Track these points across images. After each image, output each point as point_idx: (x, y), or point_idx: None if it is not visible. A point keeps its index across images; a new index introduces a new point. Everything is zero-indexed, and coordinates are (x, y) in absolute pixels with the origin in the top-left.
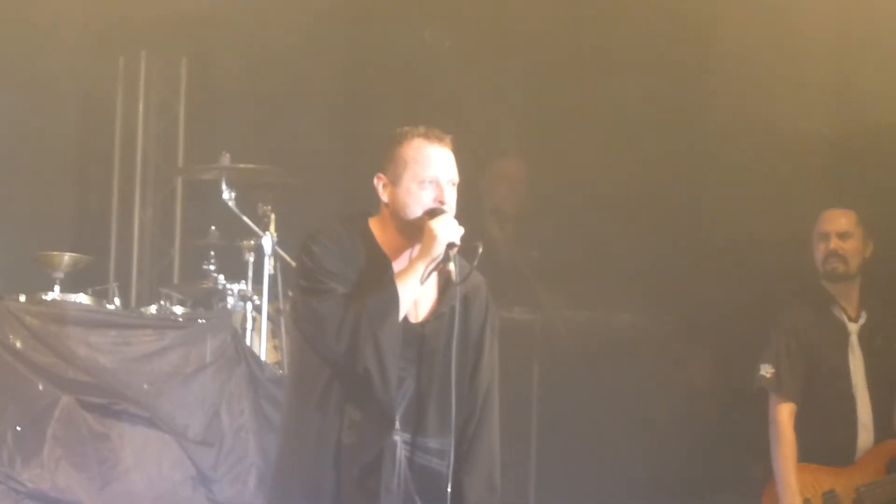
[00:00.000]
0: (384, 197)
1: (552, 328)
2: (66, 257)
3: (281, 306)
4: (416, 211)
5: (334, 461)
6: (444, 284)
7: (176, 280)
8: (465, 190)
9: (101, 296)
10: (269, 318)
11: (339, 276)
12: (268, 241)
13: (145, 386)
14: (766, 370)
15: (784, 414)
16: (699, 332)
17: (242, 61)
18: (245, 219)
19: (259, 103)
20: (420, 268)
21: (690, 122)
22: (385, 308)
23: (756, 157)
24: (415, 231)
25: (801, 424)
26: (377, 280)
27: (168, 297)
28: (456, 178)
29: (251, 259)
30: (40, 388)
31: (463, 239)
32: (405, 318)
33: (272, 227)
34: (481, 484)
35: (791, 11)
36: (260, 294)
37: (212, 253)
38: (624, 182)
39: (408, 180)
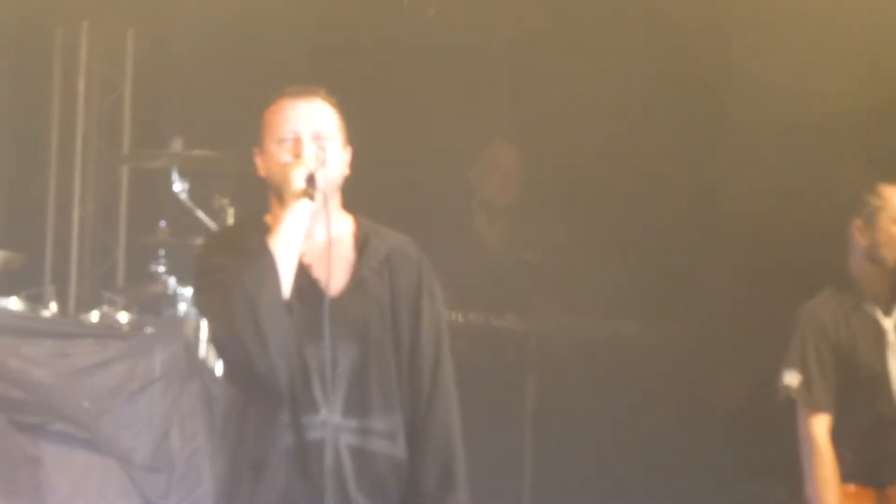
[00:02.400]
0: (260, 172)
1: (548, 338)
2: None
3: None
4: (277, 174)
5: (252, 463)
6: (360, 248)
7: (120, 283)
8: (451, 180)
9: (36, 300)
10: None
11: (225, 268)
12: None
13: (85, 403)
14: (793, 378)
15: (818, 428)
16: (714, 343)
17: (197, 33)
18: (199, 213)
19: (216, 81)
20: (288, 217)
21: (705, 109)
22: (261, 272)
23: (775, 147)
24: (282, 183)
25: (836, 439)
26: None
27: (111, 303)
28: (324, 131)
29: None
30: None
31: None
32: (319, 294)
33: (230, 222)
34: (434, 474)
35: None
36: None
37: (161, 252)
38: (630, 174)
39: (268, 142)
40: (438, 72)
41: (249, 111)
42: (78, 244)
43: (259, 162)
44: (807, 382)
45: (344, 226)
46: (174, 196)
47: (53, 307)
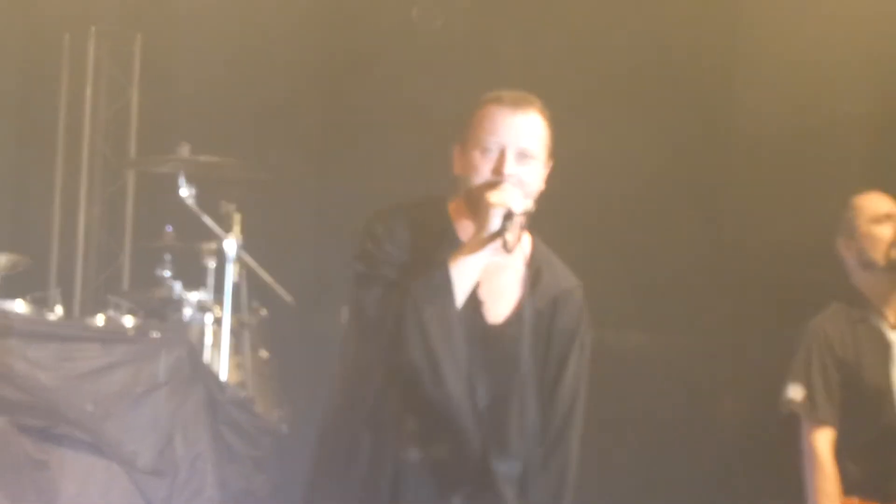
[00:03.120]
0: (456, 169)
1: None
2: (1, 258)
3: (245, 319)
4: (475, 181)
5: (392, 485)
6: (532, 281)
7: (126, 287)
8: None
9: (41, 304)
10: (231, 332)
11: (397, 264)
12: (231, 244)
13: (90, 407)
14: (796, 391)
15: (821, 442)
16: (719, 354)
17: (204, 39)
18: (205, 218)
19: (223, 87)
20: (476, 244)
21: (713, 120)
22: (433, 292)
23: (780, 161)
24: (479, 208)
25: (840, 453)
26: (433, 264)
27: (117, 307)
28: (531, 147)
29: (212, 265)
30: None
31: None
32: (480, 317)
33: (237, 228)
34: None
35: None
36: (221, 305)
37: (167, 257)
38: (636, 184)
39: (471, 147)
40: (445, 83)
41: (255, 118)
42: (84, 248)
43: (457, 158)
44: (810, 396)
45: (521, 247)
46: (180, 201)
47: (59, 311)
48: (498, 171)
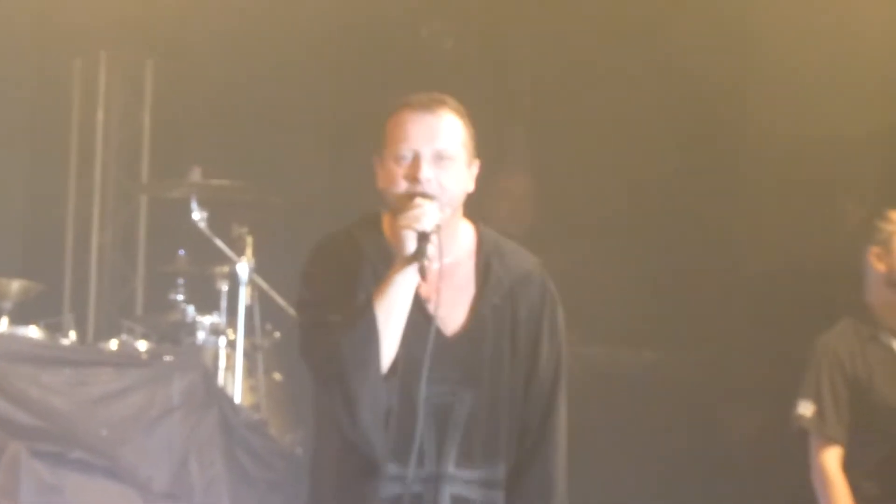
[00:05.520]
0: (378, 182)
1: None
2: (15, 285)
3: (258, 341)
4: (393, 193)
5: None
6: (482, 278)
7: (139, 311)
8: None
9: (55, 329)
10: (244, 354)
11: (330, 303)
12: (244, 267)
13: (104, 432)
14: (806, 408)
15: (831, 458)
16: (730, 373)
17: (216, 63)
18: (218, 242)
19: (234, 111)
20: (398, 279)
21: (720, 136)
22: (358, 345)
23: (793, 177)
24: (394, 230)
25: (854, 470)
26: (362, 300)
27: (130, 331)
28: (447, 148)
29: (225, 288)
30: None
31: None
32: (438, 332)
33: (249, 251)
34: None
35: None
36: (234, 328)
37: (180, 281)
38: (645, 201)
39: (387, 157)
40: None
41: (266, 141)
42: (97, 273)
43: (378, 171)
44: (820, 413)
45: (464, 242)
46: (193, 225)
47: (72, 336)
48: (413, 177)
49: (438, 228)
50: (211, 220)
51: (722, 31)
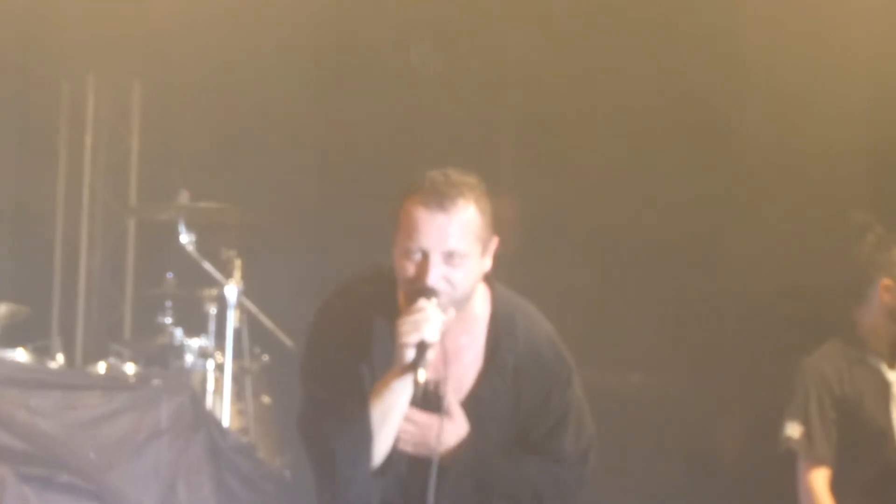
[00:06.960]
0: (395, 263)
1: None
2: (2, 308)
3: (246, 365)
4: (401, 282)
5: None
6: (489, 360)
7: (127, 335)
8: None
9: (43, 352)
10: (232, 378)
11: (331, 380)
12: (232, 290)
13: (92, 455)
14: (794, 429)
15: (818, 480)
16: (721, 395)
17: (204, 85)
18: (206, 265)
19: (222, 134)
20: (395, 386)
21: (707, 160)
22: (350, 445)
23: (784, 197)
24: (395, 336)
25: (841, 491)
26: (362, 395)
27: (118, 355)
28: (458, 248)
29: (213, 311)
30: None
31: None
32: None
33: (237, 274)
34: None
35: (824, 30)
36: (223, 351)
37: (168, 304)
38: (634, 222)
39: (398, 245)
40: (444, 128)
41: (255, 164)
42: (85, 296)
43: (394, 254)
44: (808, 434)
45: (479, 311)
46: (181, 248)
47: (60, 359)
48: (420, 278)
49: (435, 344)
50: (199, 243)
51: (712, 43)
